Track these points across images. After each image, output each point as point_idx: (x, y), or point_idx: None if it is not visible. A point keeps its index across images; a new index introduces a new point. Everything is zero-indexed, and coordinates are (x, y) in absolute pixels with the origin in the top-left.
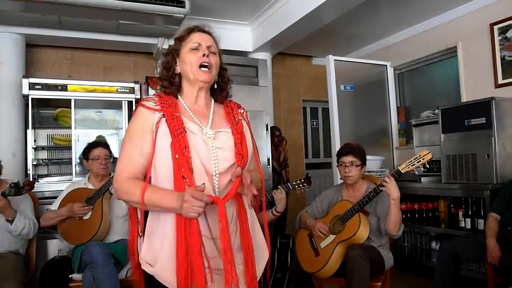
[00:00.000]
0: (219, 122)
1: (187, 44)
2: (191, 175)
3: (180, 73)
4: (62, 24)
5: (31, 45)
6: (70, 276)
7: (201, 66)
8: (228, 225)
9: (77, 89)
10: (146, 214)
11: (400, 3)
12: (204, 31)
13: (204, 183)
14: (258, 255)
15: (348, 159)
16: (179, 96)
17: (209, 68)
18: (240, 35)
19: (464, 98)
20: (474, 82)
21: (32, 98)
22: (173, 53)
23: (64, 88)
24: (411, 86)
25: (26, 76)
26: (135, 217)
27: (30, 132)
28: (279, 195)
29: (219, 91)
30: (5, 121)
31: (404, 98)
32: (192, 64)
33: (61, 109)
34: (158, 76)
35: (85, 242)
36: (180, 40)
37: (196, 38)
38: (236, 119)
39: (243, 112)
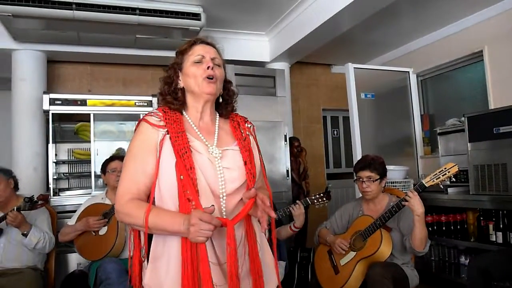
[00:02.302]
0: (225, 139)
1: (190, 57)
2: (197, 197)
3: (183, 87)
4: (81, 40)
5: (52, 61)
6: None
7: (206, 78)
8: (237, 248)
9: (96, 103)
10: (150, 237)
11: (421, 8)
12: (207, 43)
13: (213, 205)
14: (267, 278)
15: (365, 174)
16: (184, 112)
17: (214, 80)
18: (257, 46)
19: (492, 105)
20: (502, 88)
21: (52, 113)
22: (175, 67)
23: (83, 103)
24: (435, 93)
25: (46, 92)
26: (138, 240)
27: (51, 146)
28: (298, 211)
29: (224, 105)
30: (27, 136)
31: (428, 106)
32: (196, 77)
33: (81, 123)
34: (159, 92)
35: (101, 258)
36: (182, 53)
37: (199, 50)
38: (243, 135)
39: (250, 126)
